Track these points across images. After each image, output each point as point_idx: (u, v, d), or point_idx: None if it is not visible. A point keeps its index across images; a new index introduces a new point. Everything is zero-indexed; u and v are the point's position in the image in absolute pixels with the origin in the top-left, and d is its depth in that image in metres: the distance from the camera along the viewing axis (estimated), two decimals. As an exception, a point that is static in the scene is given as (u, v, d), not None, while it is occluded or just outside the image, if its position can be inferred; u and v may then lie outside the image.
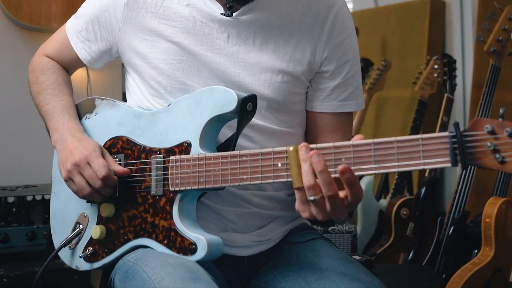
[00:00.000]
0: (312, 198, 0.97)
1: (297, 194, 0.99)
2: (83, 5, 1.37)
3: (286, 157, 1.01)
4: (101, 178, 1.17)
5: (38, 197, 2.00)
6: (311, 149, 0.98)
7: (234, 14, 1.22)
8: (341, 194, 0.97)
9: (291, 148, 0.99)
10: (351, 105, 1.31)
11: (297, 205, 1.00)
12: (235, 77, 1.23)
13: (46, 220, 1.99)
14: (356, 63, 1.31)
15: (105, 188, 1.19)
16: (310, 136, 1.34)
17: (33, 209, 1.98)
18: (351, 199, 0.97)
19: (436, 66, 2.98)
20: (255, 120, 1.22)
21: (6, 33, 2.28)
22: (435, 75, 2.98)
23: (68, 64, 1.42)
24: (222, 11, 1.23)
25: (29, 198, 1.99)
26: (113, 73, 2.52)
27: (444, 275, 2.34)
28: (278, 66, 1.24)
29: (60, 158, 1.25)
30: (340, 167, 0.94)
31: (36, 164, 2.25)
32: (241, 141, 1.21)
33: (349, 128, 1.34)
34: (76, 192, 1.22)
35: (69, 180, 1.22)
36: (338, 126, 1.31)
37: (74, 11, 1.39)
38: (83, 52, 1.36)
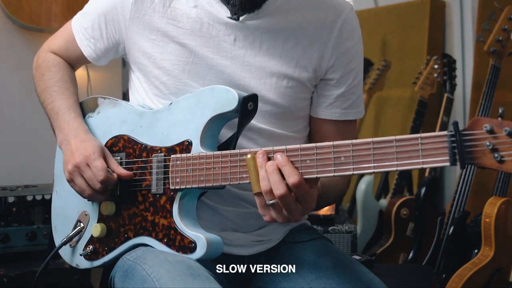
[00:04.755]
0: (270, 202, 1.01)
1: (257, 199, 1.04)
2: (90, 1, 1.36)
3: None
4: (100, 182, 1.17)
5: (38, 197, 2.00)
6: (268, 156, 1.02)
7: (241, 18, 1.22)
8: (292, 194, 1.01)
9: (248, 156, 1.03)
10: (353, 113, 1.31)
11: (259, 210, 1.05)
12: (240, 80, 1.23)
13: (46, 220, 1.99)
14: (360, 71, 1.31)
15: (106, 190, 1.19)
16: (312, 141, 1.34)
17: (33, 209, 1.99)
18: (300, 200, 1.01)
19: (436, 66, 2.98)
20: (260, 124, 1.23)
21: (6, 33, 2.28)
22: (435, 75, 2.98)
23: (74, 61, 1.42)
24: (229, 14, 1.22)
25: (29, 198, 2.00)
26: (113, 73, 2.52)
27: (444, 275, 2.34)
28: (284, 71, 1.24)
29: (63, 159, 1.26)
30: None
31: (36, 164, 2.25)
32: (245, 143, 1.21)
33: (352, 135, 1.34)
34: (79, 193, 1.23)
35: (71, 181, 1.23)
36: (341, 133, 1.30)
37: (74, 11, 1.39)
38: (88, 49, 1.35)
